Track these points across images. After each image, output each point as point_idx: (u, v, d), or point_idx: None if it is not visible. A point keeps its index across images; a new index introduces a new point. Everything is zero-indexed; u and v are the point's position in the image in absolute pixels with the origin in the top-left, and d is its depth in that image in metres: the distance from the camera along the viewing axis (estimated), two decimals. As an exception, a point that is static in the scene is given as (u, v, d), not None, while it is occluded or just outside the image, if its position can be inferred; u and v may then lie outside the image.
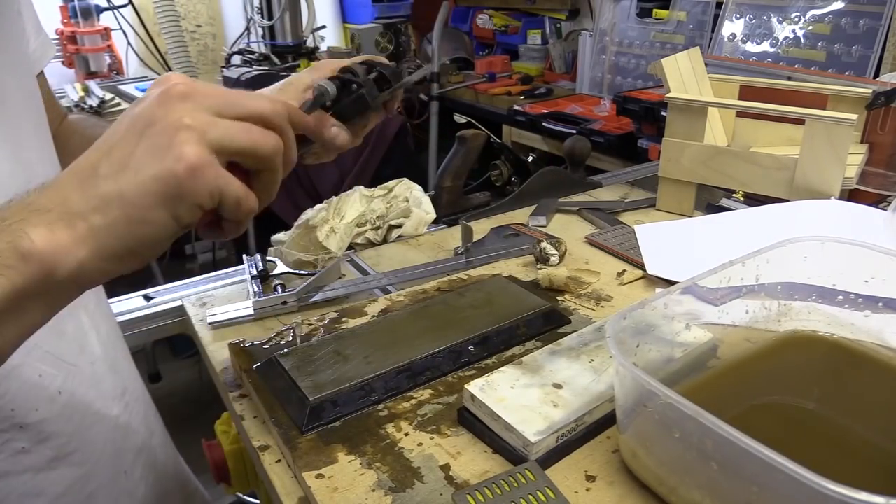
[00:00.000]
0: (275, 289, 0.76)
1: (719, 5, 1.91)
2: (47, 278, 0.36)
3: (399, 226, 0.91)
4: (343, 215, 0.90)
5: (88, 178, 0.37)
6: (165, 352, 2.51)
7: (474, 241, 0.86)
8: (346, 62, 0.57)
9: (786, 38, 1.75)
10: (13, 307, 0.35)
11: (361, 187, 0.94)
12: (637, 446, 0.46)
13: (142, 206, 0.37)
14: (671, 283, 0.74)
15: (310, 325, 0.69)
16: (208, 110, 0.39)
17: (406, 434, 0.53)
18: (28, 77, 0.59)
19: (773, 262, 0.57)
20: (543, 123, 2.08)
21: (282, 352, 0.61)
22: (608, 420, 0.52)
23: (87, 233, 0.36)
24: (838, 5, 1.66)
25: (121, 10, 2.35)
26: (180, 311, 0.79)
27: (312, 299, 0.75)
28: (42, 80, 0.64)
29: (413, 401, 0.57)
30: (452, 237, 0.91)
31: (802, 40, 1.72)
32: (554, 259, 0.79)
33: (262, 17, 2.67)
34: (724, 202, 0.96)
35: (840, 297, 0.58)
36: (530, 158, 2.11)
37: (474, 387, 0.53)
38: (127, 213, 0.37)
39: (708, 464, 0.40)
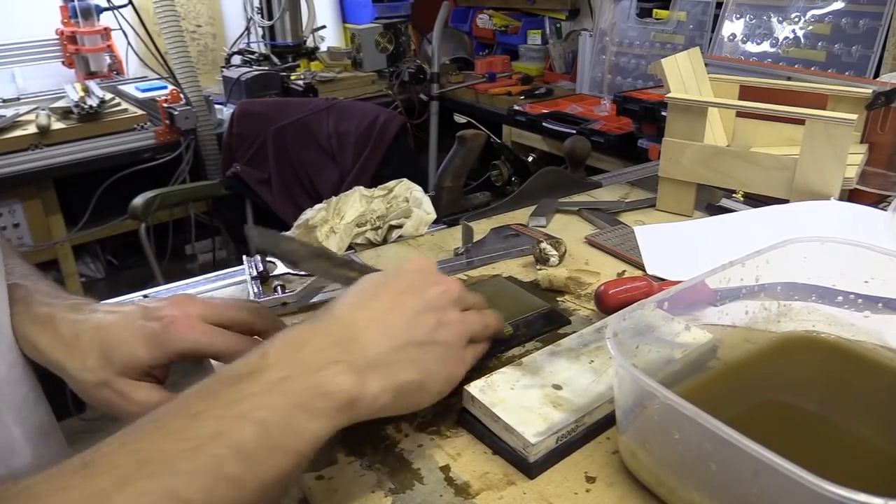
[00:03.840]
0: (275, 290, 0.76)
1: (719, 5, 1.91)
2: (350, 417, 0.42)
3: (399, 226, 0.91)
4: (343, 215, 0.90)
5: (395, 348, 0.45)
6: (165, 352, 2.50)
7: (474, 241, 0.86)
8: None
9: (786, 38, 1.75)
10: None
11: (361, 187, 0.94)
12: (636, 447, 0.46)
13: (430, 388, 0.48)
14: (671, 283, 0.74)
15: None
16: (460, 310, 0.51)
17: (406, 435, 0.53)
18: None
19: (772, 262, 0.57)
20: (543, 123, 2.08)
21: None
22: (608, 421, 0.52)
23: (385, 379, 0.44)
24: (838, 5, 1.66)
25: (121, 10, 2.35)
26: (180, 311, 0.79)
27: (313, 300, 0.75)
28: None
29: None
30: (452, 237, 0.91)
31: (802, 40, 1.72)
32: (554, 259, 0.79)
33: (262, 17, 2.67)
34: (724, 202, 0.96)
35: (840, 298, 0.58)
36: (530, 158, 2.11)
37: (474, 388, 0.53)
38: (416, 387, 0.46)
39: (707, 465, 0.40)
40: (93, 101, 2.05)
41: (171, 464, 0.36)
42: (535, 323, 0.66)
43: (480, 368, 0.59)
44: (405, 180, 0.96)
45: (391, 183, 0.96)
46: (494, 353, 0.62)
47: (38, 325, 0.52)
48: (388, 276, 0.50)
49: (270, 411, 0.39)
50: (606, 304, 0.66)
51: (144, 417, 0.38)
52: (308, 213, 0.88)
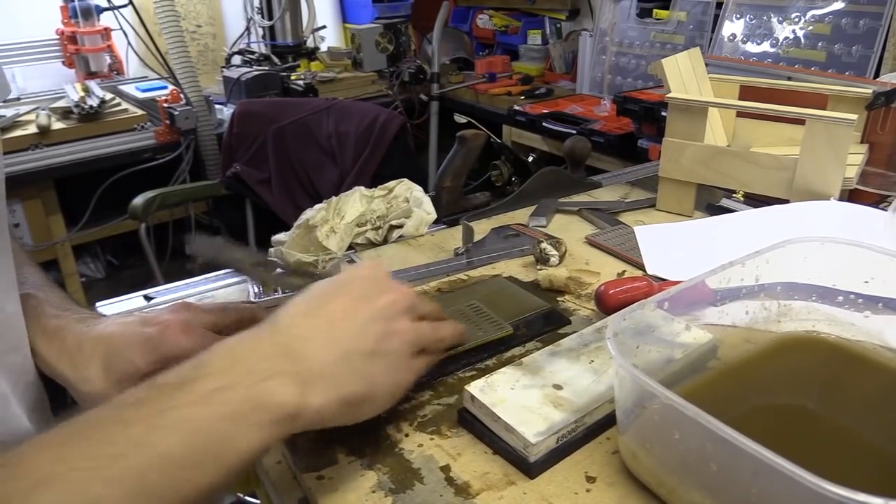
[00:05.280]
0: (275, 290, 0.76)
1: (719, 5, 1.91)
2: (290, 430, 0.42)
3: (399, 226, 0.91)
4: (343, 215, 0.90)
5: (340, 358, 0.45)
6: (165, 352, 2.49)
7: (474, 241, 0.86)
8: None
9: (786, 38, 1.75)
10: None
11: (361, 187, 0.94)
12: (637, 447, 0.46)
13: (378, 397, 0.47)
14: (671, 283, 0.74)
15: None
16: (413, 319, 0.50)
17: (406, 435, 0.53)
18: None
19: (772, 262, 0.57)
20: (543, 123, 2.08)
21: None
22: (608, 421, 0.52)
23: (329, 391, 0.43)
24: (838, 5, 1.66)
25: (121, 10, 2.35)
26: (180, 311, 0.79)
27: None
28: None
29: (413, 402, 0.57)
30: (453, 237, 0.91)
31: (802, 40, 1.72)
32: (554, 259, 0.79)
33: (262, 17, 2.67)
34: (724, 202, 0.96)
35: (840, 298, 0.58)
36: (530, 158, 2.11)
37: (474, 388, 0.53)
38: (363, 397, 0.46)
39: (707, 465, 0.40)
40: (93, 101, 2.05)
41: (93, 470, 0.35)
42: (535, 323, 0.66)
43: (434, 378, 0.59)
44: (405, 180, 0.96)
45: (391, 183, 0.96)
46: (488, 356, 0.62)
47: (46, 337, 0.53)
48: (338, 284, 0.49)
49: (201, 422, 0.38)
50: (606, 304, 0.66)
51: (75, 419, 0.37)
52: (308, 213, 0.88)
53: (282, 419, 0.41)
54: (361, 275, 0.50)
